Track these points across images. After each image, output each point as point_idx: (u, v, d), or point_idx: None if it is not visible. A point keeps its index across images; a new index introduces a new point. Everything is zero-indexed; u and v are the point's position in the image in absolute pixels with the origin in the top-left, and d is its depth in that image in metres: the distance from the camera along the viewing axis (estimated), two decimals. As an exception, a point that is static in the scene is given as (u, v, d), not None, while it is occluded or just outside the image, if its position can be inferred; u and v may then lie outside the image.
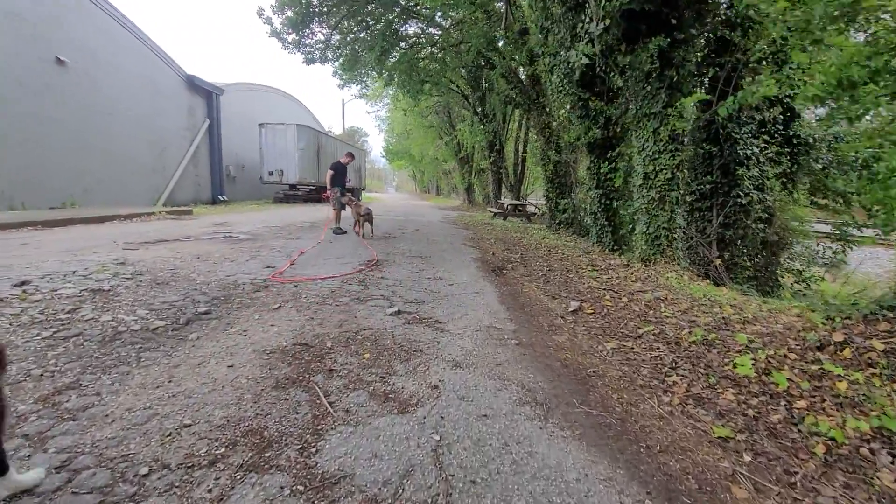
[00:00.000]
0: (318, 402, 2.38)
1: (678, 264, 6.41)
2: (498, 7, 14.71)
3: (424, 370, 2.84)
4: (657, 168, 6.23)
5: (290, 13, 12.63)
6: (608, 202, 9.13)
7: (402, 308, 4.20)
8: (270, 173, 22.40)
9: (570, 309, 4.39)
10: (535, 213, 19.46)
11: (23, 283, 3.98)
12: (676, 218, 6.37)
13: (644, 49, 5.72)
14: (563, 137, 14.27)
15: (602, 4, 5.35)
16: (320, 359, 2.92)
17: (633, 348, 3.41)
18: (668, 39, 5.61)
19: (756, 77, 6.74)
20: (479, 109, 21.59)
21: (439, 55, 16.80)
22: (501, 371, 2.90)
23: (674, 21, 5.72)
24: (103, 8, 14.46)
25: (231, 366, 2.72)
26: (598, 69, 6.73)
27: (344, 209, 10.12)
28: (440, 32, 16.62)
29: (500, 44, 15.00)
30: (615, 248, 8.95)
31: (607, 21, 5.40)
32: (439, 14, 16.07)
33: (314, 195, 23.68)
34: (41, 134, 12.42)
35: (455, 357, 3.06)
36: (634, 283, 5.63)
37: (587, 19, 5.84)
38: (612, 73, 6.37)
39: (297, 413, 2.27)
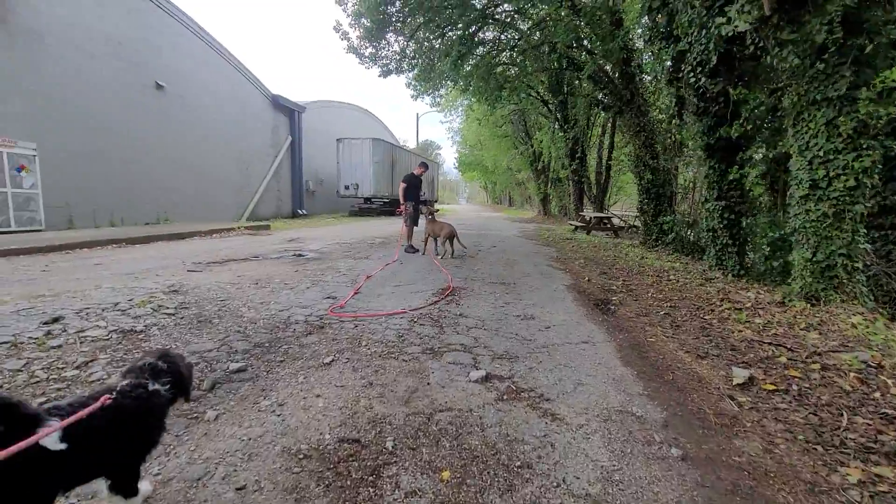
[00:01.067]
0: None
1: (863, 304, 4.64)
2: (583, 1, 13.34)
3: (539, 512, 1.71)
4: (831, 173, 4.56)
5: (366, 23, 12.29)
6: (733, 216, 7.35)
7: (491, 369, 3.10)
8: (346, 187, 22.63)
9: (738, 381, 3.00)
10: (623, 227, 17.48)
11: (54, 321, 3.48)
12: (860, 241, 4.63)
13: (820, 13, 4.16)
14: (665, 141, 12.43)
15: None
16: (375, 475, 1.90)
17: None
18: (859, -6, 4.02)
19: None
20: (559, 115, 20.08)
21: (518, 59, 15.68)
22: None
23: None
24: (198, 34, 15.27)
25: (240, 488, 1.78)
26: (736, 49, 5.19)
27: (417, 225, 9.31)
28: (518, 36, 15.54)
29: (587, 42, 13.58)
30: (741, 273, 7.13)
31: None
32: (517, 15, 15.03)
33: (388, 208, 23.55)
34: (140, 154, 13.18)
35: (587, 488, 1.88)
36: (808, 332, 4.03)
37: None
38: (767, 51, 4.81)
39: None
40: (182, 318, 3.87)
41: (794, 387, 2.92)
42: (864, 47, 4.15)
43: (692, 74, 6.34)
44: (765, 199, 7.64)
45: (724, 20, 4.77)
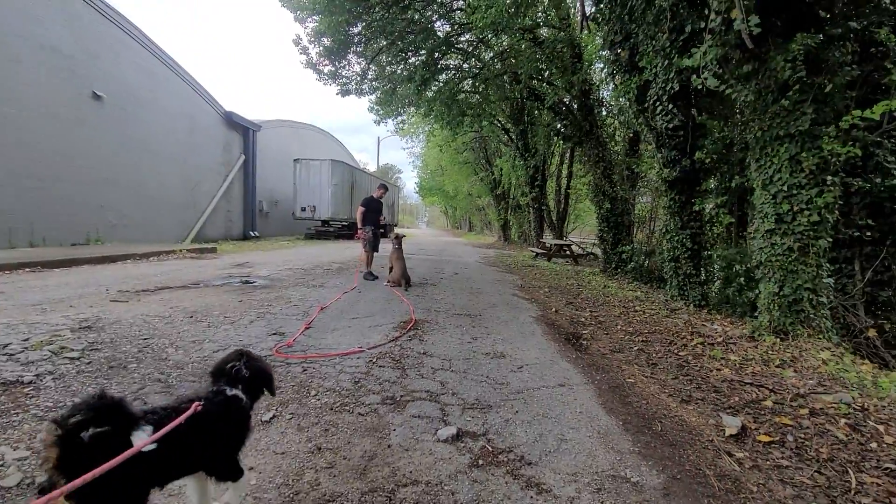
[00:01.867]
0: None
1: (828, 339, 4.63)
2: (545, 34, 13.72)
3: None
4: (795, 207, 4.59)
5: (326, 42, 11.98)
6: (696, 247, 7.43)
7: (462, 424, 2.68)
8: (303, 209, 21.79)
9: (731, 433, 2.74)
10: (582, 255, 17.74)
11: (-90, 371, 2.74)
12: (823, 275, 4.65)
13: (784, 50, 4.23)
14: (623, 171, 12.75)
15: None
16: None
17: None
18: (820, 36, 4.12)
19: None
20: (520, 143, 20.43)
21: (481, 87, 15.84)
22: None
23: (823, 13, 4.25)
24: (144, 44, 14.37)
25: None
26: (698, 84, 5.24)
27: (377, 251, 8.84)
28: (481, 65, 15.76)
29: (548, 73, 13.91)
30: (703, 304, 7.17)
31: (748, 15, 3.94)
32: (481, 45, 15.26)
33: (346, 232, 22.83)
34: (70, 168, 11.97)
35: None
36: (784, 370, 3.90)
37: (711, 15, 4.42)
38: (728, 87, 4.87)
39: None
40: (88, 363, 3.19)
41: (790, 437, 2.69)
42: (825, 86, 4.24)
43: (658, 105, 6.40)
44: (720, 230, 7.80)
45: (688, 59, 4.78)
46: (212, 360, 3.45)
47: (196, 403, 1.47)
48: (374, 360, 3.77)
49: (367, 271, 8.48)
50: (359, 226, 8.54)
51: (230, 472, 1.63)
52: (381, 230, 8.98)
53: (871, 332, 5.20)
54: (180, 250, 11.61)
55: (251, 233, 20.46)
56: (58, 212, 11.59)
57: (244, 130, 20.22)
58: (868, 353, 5.21)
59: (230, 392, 1.62)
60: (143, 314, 4.69)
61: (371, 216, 8.60)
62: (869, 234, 5.37)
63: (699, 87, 5.05)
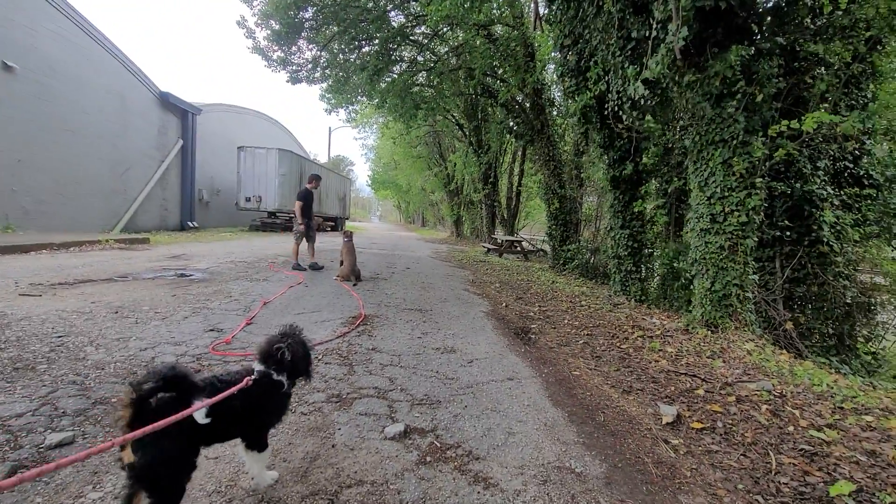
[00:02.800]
0: None
1: (752, 331, 5.01)
2: (499, 31, 13.84)
3: None
4: (727, 208, 4.91)
5: (275, 25, 11.40)
6: (636, 245, 7.81)
7: (410, 420, 2.62)
8: (248, 199, 20.74)
9: (667, 420, 2.87)
10: (532, 251, 18.20)
11: None
12: (749, 272, 5.02)
13: (719, 61, 4.49)
14: (571, 171, 13.17)
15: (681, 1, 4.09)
16: None
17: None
18: (752, 49, 4.41)
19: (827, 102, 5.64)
20: (473, 140, 20.58)
21: (435, 81, 15.75)
22: None
23: (753, 27, 4.56)
24: (64, 12, 13.01)
25: None
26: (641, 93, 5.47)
27: (313, 242, 8.84)
28: (436, 59, 15.67)
29: (501, 71, 14.07)
30: (643, 299, 7.56)
31: (683, 25, 4.14)
32: (436, 38, 15.17)
33: (293, 224, 22.02)
34: (-27, 146, 10.65)
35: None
36: (714, 360, 4.17)
37: (655, 23, 4.60)
38: (672, 93, 5.12)
39: None
40: (-12, 365, 2.82)
41: (720, 424, 2.87)
42: (756, 96, 4.55)
43: (620, 112, 6.60)
44: (660, 229, 8.25)
45: (637, 69, 4.97)
46: (137, 360, 3.18)
47: (247, 378, 1.68)
48: (320, 357, 3.62)
49: (296, 262, 8.48)
50: (299, 220, 8.71)
51: (258, 443, 1.83)
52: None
53: (789, 325, 5.69)
54: (107, 240, 10.67)
55: (189, 223, 19.22)
56: (-42, 195, 10.30)
57: (182, 113, 18.90)
58: (785, 344, 5.70)
59: (277, 377, 1.79)
60: (59, 310, 4.24)
61: (309, 210, 8.85)
62: (788, 234, 5.85)
63: (641, 95, 5.25)
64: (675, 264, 6.81)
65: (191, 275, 6.95)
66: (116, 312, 4.33)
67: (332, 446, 2.29)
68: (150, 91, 17.15)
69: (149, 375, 1.38)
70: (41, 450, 2.03)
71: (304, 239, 8.87)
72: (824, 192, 5.69)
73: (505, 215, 22.24)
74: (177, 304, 4.94)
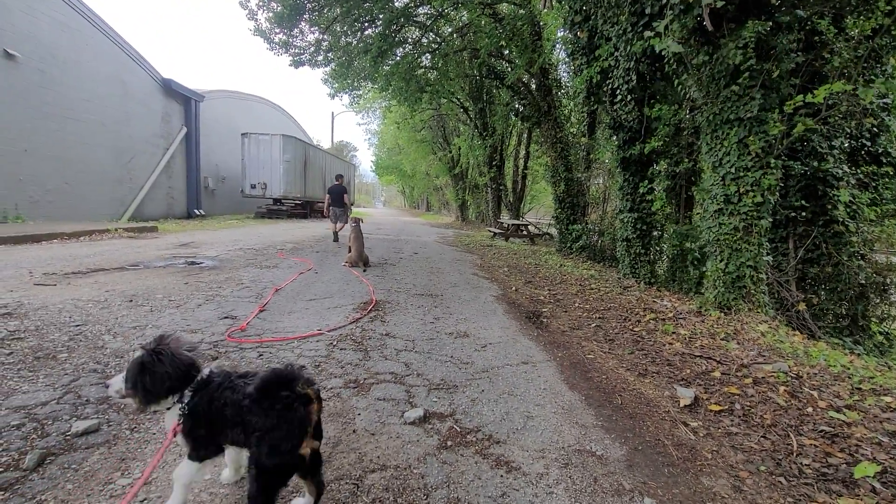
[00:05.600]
0: None
1: (765, 313, 4.97)
2: (505, 10, 13.52)
3: None
4: (741, 189, 4.83)
5: (276, 7, 11.19)
6: (645, 227, 7.74)
7: (428, 405, 2.64)
8: (253, 186, 20.71)
9: (685, 403, 2.87)
10: (538, 234, 18.12)
11: None
12: (763, 253, 4.96)
13: (735, 36, 4.36)
14: (578, 154, 13.01)
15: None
16: None
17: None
18: (769, 23, 4.27)
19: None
20: (478, 123, 20.33)
21: (440, 63, 15.48)
22: None
23: (773, 1, 4.40)
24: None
25: None
26: (649, 69, 5.34)
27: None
28: (440, 40, 15.37)
29: (508, 51, 13.80)
30: (652, 281, 7.53)
31: None
32: (440, 19, 14.86)
33: (299, 210, 22.01)
34: (-22, 136, 10.65)
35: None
36: (729, 342, 4.15)
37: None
38: (681, 71, 4.99)
39: None
40: (10, 353, 2.85)
41: (738, 406, 2.86)
42: (772, 72, 4.43)
43: (618, 91, 6.47)
44: (668, 211, 8.16)
45: (652, 34, 4.83)
46: (156, 347, 3.19)
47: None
48: (335, 343, 3.64)
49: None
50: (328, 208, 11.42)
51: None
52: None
53: (802, 306, 5.65)
54: (116, 229, 10.71)
55: (196, 211, 19.26)
56: (-33, 186, 10.34)
57: (185, 100, 18.77)
58: (798, 325, 5.68)
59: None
60: (75, 299, 4.27)
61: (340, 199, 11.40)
62: (803, 214, 5.76)
63: (649, 74, 5.11)
64: (686, 245, 6.74)
65: (201, 263, 6.97)
66: (131, 301, 4.36)
67: (353, 431, 2.30)
68: (153, 78, 17.01)
69: (300, 374, 1.50)
70: (68, 437, 2.05)
71: (338, 220, 11.53)
72: (840, 171, 5.58)
73: (511, 199, 22.10)
74: (190, 291, 4.97)
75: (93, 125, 14.02)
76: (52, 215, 12.37)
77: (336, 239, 11.42)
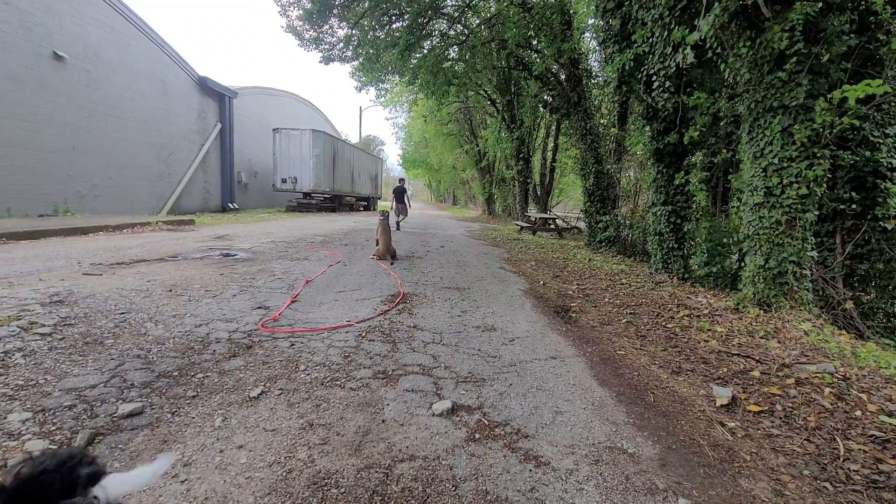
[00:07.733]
0: None
1: (808, 311, 4.73)
2: (532, 0, 13.26)
3: None
4: (785, 181, 4.59)
5: (307, 3, 11.35)
6: (678, 220, 7.48)
7: (456, 398, 2.64)
8: (284, 180, 21.20)
9: (721, 403, 2.77)
10: (566, 228, 17.83)
11: None
12: (808, 248, 4.71)
13: (782, 18, 4.12)
14: (609, 145, 12.68)
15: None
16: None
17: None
18: (819, 3, 4.02)
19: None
20: (506, 115, 20.09)
21: (467, 55, 15.36)
22: None
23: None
24: (109, 1, 13.40)
25: None
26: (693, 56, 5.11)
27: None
28: (468, 32, 15.23)
29: (537, 41, 13.54)
30: (686, 276, 7.28)
31: None
32: (468, 10, 14.71)
33: (329, 204, 22.37)
34: (33, 135, 11.28)
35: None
36: (768, 341, 3.98)
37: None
38: (723, 58, 4.76)
39: None
40: (62, 339, 3.03)
41: (779, 407, 2.74)
42: (821, 56, 4.18)
43: (655, 79, 6.25)
44: (703, 204, 7.85)
45: (695, 34, 4.62)
46: (194, 336, 3.32)
47: None
48: (364, 334, 3.69)
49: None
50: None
51: None
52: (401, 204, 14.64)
53: (849, 305, 5.35)
54: (156, 222, 11.19)
55: (230, 205, 19.88)
56: (22, 181, 10.99)
57: (220, 97, 19.33)
58: (845, 325, 5.38)
59: None
60: (119, 288, 4.49)
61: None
62: (852, 207, 5.44)
63: (691, 62, 4.90)
64: (724, 240, 6.48)
65: (235, 254, 7.20)
66: (171, 290, 4.55)
67: (382, 421, 2.33)
68: (190, 76, 17.59)
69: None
70: (115, 419, 2.17)
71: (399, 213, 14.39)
72: (893, 162, 5.23)
73: (538, 192, 21.80)
74: (225, 282, 5.14)
75: (135, 123, 14.64)
76: (97, 209, 13.02)
77: (398, 228, 14.00)
